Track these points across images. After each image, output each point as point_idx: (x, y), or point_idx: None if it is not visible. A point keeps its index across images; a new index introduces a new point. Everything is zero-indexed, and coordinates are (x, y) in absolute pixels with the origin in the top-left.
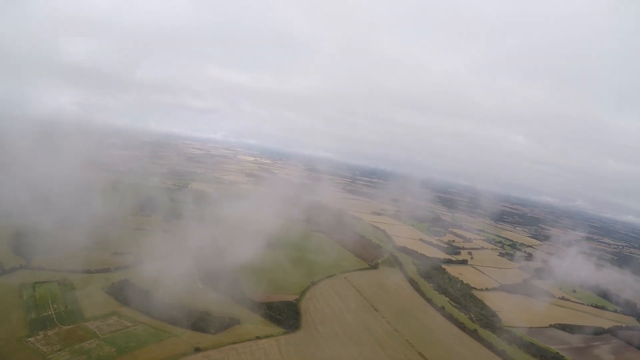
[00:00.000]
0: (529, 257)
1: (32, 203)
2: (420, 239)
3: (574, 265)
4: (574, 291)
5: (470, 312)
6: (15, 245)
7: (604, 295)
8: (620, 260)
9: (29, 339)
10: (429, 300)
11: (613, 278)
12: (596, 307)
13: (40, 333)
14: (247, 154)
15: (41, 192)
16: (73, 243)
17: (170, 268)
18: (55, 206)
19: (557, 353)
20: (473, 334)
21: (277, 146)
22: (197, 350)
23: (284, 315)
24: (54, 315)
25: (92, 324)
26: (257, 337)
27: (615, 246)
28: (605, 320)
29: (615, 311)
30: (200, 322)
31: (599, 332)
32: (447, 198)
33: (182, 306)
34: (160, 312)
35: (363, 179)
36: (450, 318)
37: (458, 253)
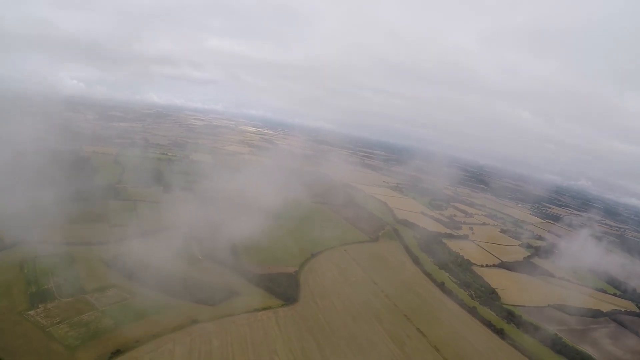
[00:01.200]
0: (531, 235)
1: (33, 177)
2: (422, 212)
3: (576, 246)
4: (575, 272)
5: (470, 289)
6: (16, 219)
7: (605, 278)
8: (622, 243)
9: (29, 312)
10: (428, 275)
11: (614, 261)
12: (596, 289)
13: (40, 306)
14: (249, 125)
15: (41, 166)
16: (74, 216)
17: (169, 240)
18: (56, 180)
19: (556, 334)
20: (472, 311)
21: (280, 117)
22: (195, 322)
23: (283, 287)
24: (53, 289)
25: (91, 296)
26: (256, 309)
27: (617, 228)
28: (604, 304)
29: (615, 295)
30: (199, 294)
31: (597, 315)
32: (449, 172)
33: (182, 278)
34: (159, 284)
35: (365, 151)
36: (450, 294)
37: (459, 228)
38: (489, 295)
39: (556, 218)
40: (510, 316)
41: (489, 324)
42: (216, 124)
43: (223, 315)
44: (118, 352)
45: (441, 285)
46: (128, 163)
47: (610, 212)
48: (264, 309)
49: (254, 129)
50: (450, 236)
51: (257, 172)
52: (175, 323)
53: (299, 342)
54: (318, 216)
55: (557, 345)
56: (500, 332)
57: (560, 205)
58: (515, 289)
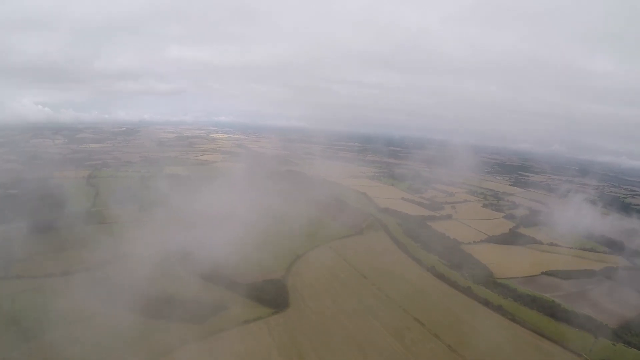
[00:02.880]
0: (513, 205)
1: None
2: (402, 198)
3: (558, 210)
4: (561, 236)
5: (462, 269)
6: None
7: (591, 237)
8: (602, 199)
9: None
10: (418, 261)
11: (597, 218)
12: (584, 249)
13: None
14: (220, 132)
15: (12, 197)
16: (50, 245)
17: (150, 259)
18: (28, 209)
19: (554, 301)
20: (467, 291)
21: (250, 120)
22: (185, 342)
23: (272, 294)
24: (34, 327)
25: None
26: (246, 321)
27: (595, 186)
28: (596, 263)
29: (605, 252)
30: (185, 314)
31: (590, 276)
32: (424, 154)
33: (166, 298)
34: (143, 308)
35: (340, 144)
36: (442, 277)
37: (442, 208)
38: (482, 273)
39: (535, 185)
40: (506, 290)
41: (485, 302)
42: (187, 134)
43: (213, 332)
44: None
45: (432, 270)
46: (101, 184)
47: (586, 171)
48: (255, 319)
49: (225, 136)
50: (433, 218)
51: (231, 179)
52: (162, 348)
53: (294, 348)
54: (297, 215)
55: (557, 312)
56: (499, 309)
57: (537, 172)
58: (506, 262)
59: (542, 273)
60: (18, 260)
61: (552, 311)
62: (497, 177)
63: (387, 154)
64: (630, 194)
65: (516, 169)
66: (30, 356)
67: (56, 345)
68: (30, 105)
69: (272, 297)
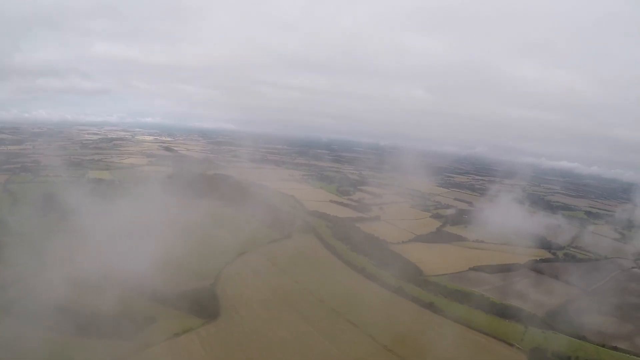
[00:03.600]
0: (439, 205)
1: None
2: (331, 201)
3: (482, 208)
4: (486, 232)
5: (391, 269)
6: None
7: (514, 232)
8: (523, 197)
9: None
10: (348, 263)
11: (520, 215)
12: (509, 245)
13: None
14: (146, 134)
15: None
16: None
17: (71, 273)
18: None
19: (482, 295)
20: (398, 290)
21: (178, 122)
22: None
23: (201, 304)
24: None
25: None
26: (176, 334)
27: (517, 185)
28: (520, 257)
29: (529, 247)
30: (110, 330)
31: (516, 269)
32: (352, 157)
33: (88, 315)
34: (64, 326)
35: (268, 147)
36: (373, 278)
37: (370, 210)
38: (411, 271)
39: (460, 185)
40: (436, 287)
41: (417, 300)
42: (111, 136)
43: (142, 348)
44: None
45: (362, 271)
46: (19, 191)
47: (508, 172)
48: (185, 331)
49: (151, 138)
50: (362, 219)
51: (156, 184)
52: None
53: (228, 359)
54: (225, 220)
55: (487, 306)
56: (430, 306)
57: (462, 173)
58: (434, 260)
59: (470, 269)
60: None
61: (482, 305)
62: (424, 179)
63: (315, 157)
64: (550, 192)
65: (442, 170)
66: None
67: None
68: None
69: (201, 306)
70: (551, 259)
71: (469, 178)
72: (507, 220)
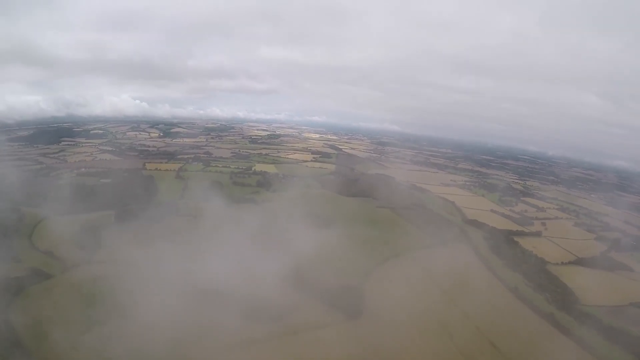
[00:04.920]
0: (606, 226)
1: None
2: (491, 210)
3: None
4: None
5: (546, 292)
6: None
7: None
8: None
9: None
10: (501, 280)
11: None
12: None
13: None
14: (312, 132)
15: (104, 186)
16: (135, 234)
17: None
18: (117, 198)
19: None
20: (549, 317)
21: (343, 121)
22: (251, 342)
23: (345, 301)
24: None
25: None
26: (316, 326)
27: None
28: None
29: None
30: (253, 312)
31: None
32: (517, 165)
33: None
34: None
35: (431, 150)
36: (525, 300)
37: (531, 224)
38: (566, 298)
39: (632, 207)
40: (590, 320)
41: (567, 332)
42: (279, 132)
43: (282, 334)
44: None
45: (514, 290)
46: (190, 178)
47: None
48: (326, 325)
49: (317, 135)
50: (522, 234)
51: (319, 180)
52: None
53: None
54: (382, 221)
55: None
56: (580, 342)
57: (634, 193)
58: (593, 288)
59: (631, 304)
60: (103, 247)
61: (638, 349)
62: (592, 195)
63: (478, 163)
64: None
65: (612, 188)
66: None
67: None
68: (128, 99)
69: (346, 304)
70: None
71: None
72: None
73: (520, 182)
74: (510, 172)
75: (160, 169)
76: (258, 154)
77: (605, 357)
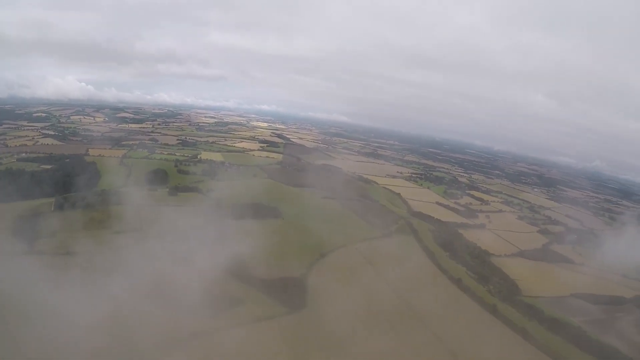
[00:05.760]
0: (548, 220)
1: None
2: (437, 202)
3: (594, 229)
4: (594, 257)
5: (489, 283)
6: None
7: (626, 261)
8: None
9: None
10: (445, 272)
11: (635, 242)
12: (617, 274)
13: None
14: (261, 120)
15: (44, 172)
16: (76, 223)
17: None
18: (58, 185)
19: (580, 327)
20: (492, 309)
21: (292, 111)
22: (194, 335)
23: (289, 293)
24: None
25: None
26: (258, 319)
27: (635, 208)
28: (627, 290)
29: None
30: (197, 305)
31: (621, 302)
32: (463, 159)
33: (178, 287)
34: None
35: (379, 141)
36: (468, 291)
37: (476, 217)
38: (509, 289)
39: (573, 201)
40: (532, 311)
41: (509, 322)
42: (227, 120)
43: (225, 327)
44: None
45: (458, 282)
46: (134, 165)
47: (627, 192)
48: (268, 317)
49: (265, 124)
50: (466, 226)
51: (265, 169)
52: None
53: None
54: (327, 212)
55: (583, 342)
56: (522, 331)
57: (576, 188)
58: (535, 279)
59: (572, 294)
60: (42, 237)
61: (577, 339)
62: (535, 189)
63: (425, 156)
64: None
65: (554, 182)
66: None
67: None
68: (73, 82)
69: (289, 295)
70: None
71: (583, 194)
72: (622, 246)
73: (466, 175)
74: (456, 165)
75: (104, 155)
76: (205, 141)
77: (547, 347)
